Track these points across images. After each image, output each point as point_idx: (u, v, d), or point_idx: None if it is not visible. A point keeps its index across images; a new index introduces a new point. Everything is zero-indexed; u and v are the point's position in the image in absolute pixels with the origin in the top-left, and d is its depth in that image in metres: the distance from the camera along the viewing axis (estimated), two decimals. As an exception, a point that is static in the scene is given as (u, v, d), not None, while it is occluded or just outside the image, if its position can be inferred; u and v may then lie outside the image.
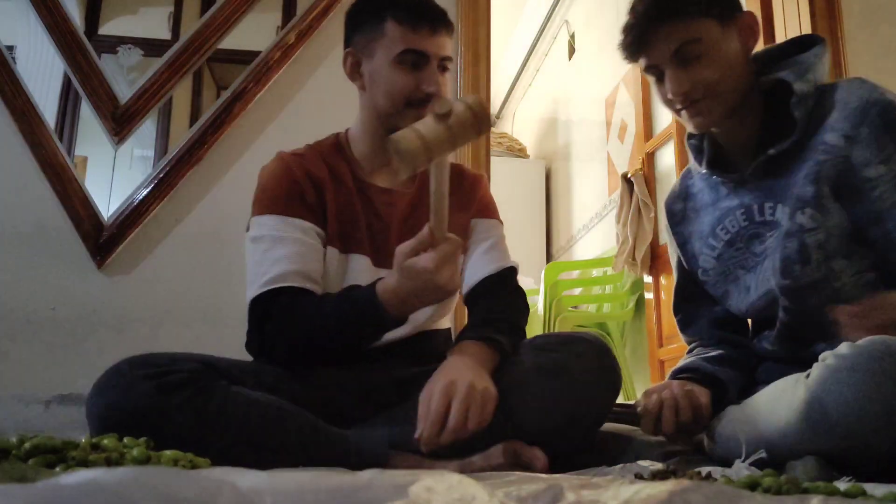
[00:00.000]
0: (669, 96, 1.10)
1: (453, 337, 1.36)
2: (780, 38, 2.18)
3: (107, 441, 0.68)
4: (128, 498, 0.27)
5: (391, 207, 1.22)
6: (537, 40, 4.87)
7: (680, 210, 1.26)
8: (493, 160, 2.13)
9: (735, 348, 1.18)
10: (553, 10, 4.56)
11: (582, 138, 4.25)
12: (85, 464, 0.63)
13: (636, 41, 1.09)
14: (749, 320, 1.22)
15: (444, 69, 1.18)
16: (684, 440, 1.07)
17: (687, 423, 1.03)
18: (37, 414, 1.73)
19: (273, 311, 1.08)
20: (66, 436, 0.71)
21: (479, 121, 0.90)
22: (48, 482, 0.29)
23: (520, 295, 1.24)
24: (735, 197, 1.15)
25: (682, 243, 1.24)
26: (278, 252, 1.11)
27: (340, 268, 1.18)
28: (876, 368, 0.76)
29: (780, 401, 0.87)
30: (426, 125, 0.88)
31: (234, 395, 0.97)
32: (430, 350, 1.22)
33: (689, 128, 1.14)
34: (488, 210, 1.31)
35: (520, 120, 5.46)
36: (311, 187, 1.18)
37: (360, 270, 1.18)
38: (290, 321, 1.07)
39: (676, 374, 1.15)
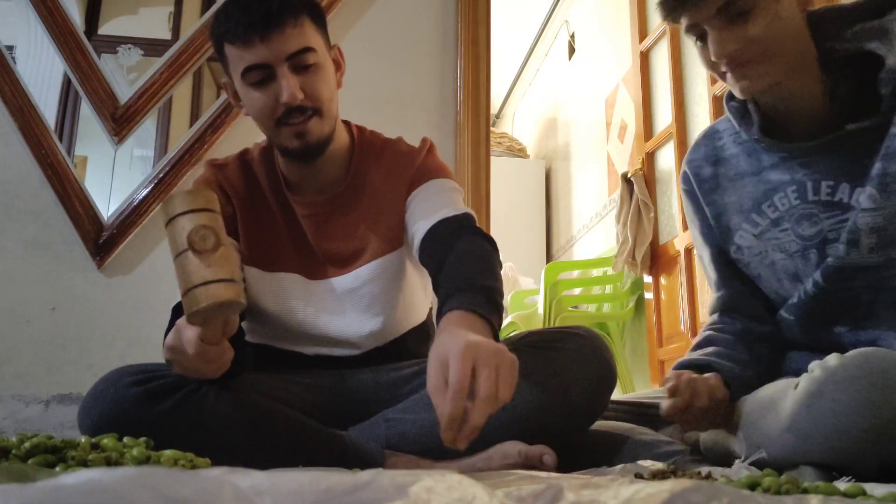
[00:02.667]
0: (713, 58, 0.97)
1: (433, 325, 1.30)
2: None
3: (106, 441, 0.68)
4: (127, 498, 0.27)
5: (310, 219, 1.18)
6: (537, 40, 4.87)
7: (710, 175, 1.12)
8: (493, 160, 2.13)
9: (756, 340, 1.08)
10: (553, 10, 4.56)
11: (582, 138, 4.25)
12: (84, 463, 0.62)
13: None
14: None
15: (301, 67, 1.06)
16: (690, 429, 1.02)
17: (714, 421, 0.97)
18: (36, 413, 1.73)
19: (171, 321, 1.03)
20: (66, 435, 0.71)
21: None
22: (48, 482, 0.29)
23: (486, 240, 1.08)
24: (785, 171, 1.02)
25: (717, 215, 1.11)
26: None
27: (270, 287, 1.15)
28: (863, 381, 0.75)
29: (769, 410, 0.86)
30: (197, 269, 0.70)
31: (226, 397, 0.97)
32: (408, 351, 1.20)
33: (735, 92, 1.01)
34: (427, 174, 1.18)
35: (520, 120, 5.46)
36: (226, 201, 1.16)
37: (293, 289, 1.15)
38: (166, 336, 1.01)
39: (696, 368, 1.03)
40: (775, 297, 1.08)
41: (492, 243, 1.08)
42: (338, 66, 1.16)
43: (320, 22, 1.12)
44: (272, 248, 1.16)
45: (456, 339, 0.78)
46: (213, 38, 1.11)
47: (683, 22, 0.97)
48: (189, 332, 0.82)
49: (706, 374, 0.99)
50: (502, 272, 1.13)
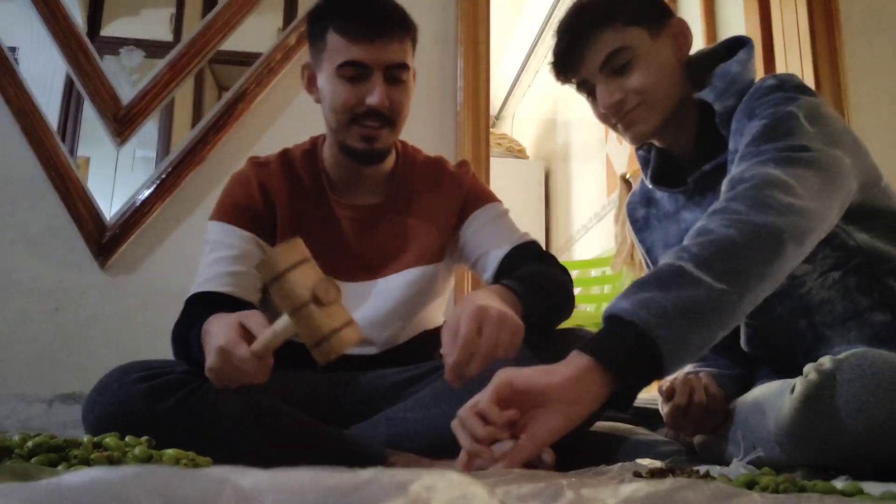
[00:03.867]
0: (602, 110, 1.05)
1: None
2: (778, 54, 2.18)
3: (108, 440, 0.69)
4: (129, 497, 0.27)
5: (352, 222, 1.20)
6: (537, 40, 4.86)
7: (643, 217, 1.22)
8: (493, 160, 2.13)
9: (722, 350, 1.11)
10: (553, 10, 4.56)
11: (581, 139, 4.25)
12: (87, 462, 0.63)
13: (565, 58, 1.06)
14: None
15: (394, 80, 1.11)
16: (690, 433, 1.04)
17: (715, 424, 0.98)
18: (39, 413, 1.74)
19: (185, 312, 1.07)
20: (69, 435, 0.71)
21: (325, 350, 0.75)
22: (50, 481, 0.29)
23: (552, 262, 1.16)
24: (692, 210, 1.10)
25: (647, 250, 1.22)
26: (213, 256, 1.12)
27: None
28: (856, 383, 0.75)
29: (764, 413, 0.86)
30: (323, 321, 0.75)
31: (228, 395, 0.97)
32: (424, 353, 1.21)
33: (627, 140, 1.09)
34: (480, 198, 1.25)
35: (519, 120, 5.45)
36: (263, 199, 1.17)
37: None
38: (177, 327, 1.05)
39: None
40: None
41: (565, 272, 1.14)
42: (412, 91, 1.20)
43: (414, 49, 1.17)
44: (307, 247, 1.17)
45: (469, 303, 0.88)
46: (316, 19, 1.13)
47: (574, 80, 1.08)
48: (242, 349, 0.83)
49: (697, 373, 1.01)
50: None
